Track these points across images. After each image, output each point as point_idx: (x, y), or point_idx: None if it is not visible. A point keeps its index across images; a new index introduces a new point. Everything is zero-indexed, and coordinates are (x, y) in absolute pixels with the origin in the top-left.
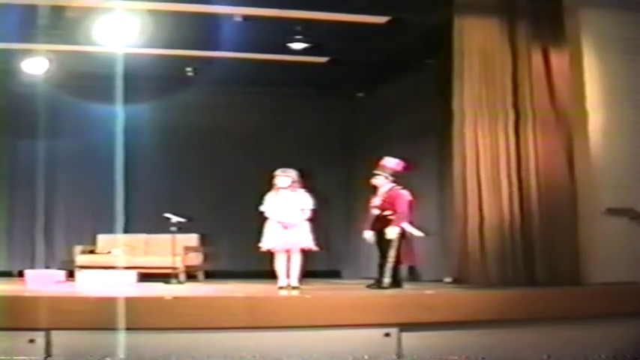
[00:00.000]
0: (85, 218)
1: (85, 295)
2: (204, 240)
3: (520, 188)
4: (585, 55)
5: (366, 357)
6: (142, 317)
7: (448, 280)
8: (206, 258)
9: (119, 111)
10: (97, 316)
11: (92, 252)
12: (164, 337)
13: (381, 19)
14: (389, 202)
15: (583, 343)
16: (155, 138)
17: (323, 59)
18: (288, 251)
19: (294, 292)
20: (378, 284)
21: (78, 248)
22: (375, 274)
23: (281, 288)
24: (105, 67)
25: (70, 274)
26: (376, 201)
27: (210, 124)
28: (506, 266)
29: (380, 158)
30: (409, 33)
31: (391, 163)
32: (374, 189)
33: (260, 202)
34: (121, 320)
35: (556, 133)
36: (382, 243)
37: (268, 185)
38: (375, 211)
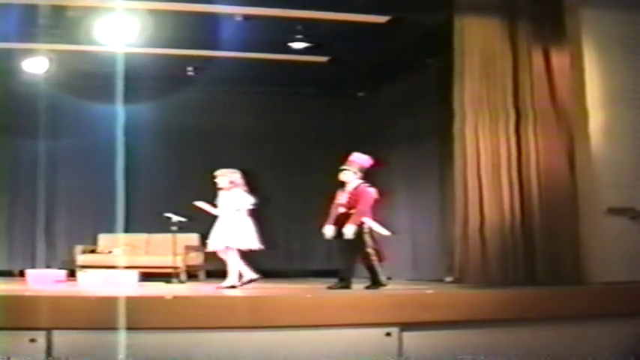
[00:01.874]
0: (86, 218)
1: (86, 294)
2: (205, 239)
3: (521, 188)
4: (586, 54)
5: (367, 357)
6: (143, 317)
7: (449, 279)
8: (207, 257)
9: (120, 110)
10: (98, 315)
11: (93, 251)
12: (165, 336)
13: (382, 19)
14: (354, 200)
15: (584, 342)
16: (156, 137)
17: (324, 59)
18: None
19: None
20: (375, 284)
21: (79, 248)
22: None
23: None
24: (105, 67)
25: (71, 274)
26: (342, 198)
27: (210, 124)
28: (507, 266)
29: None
30: (410, 33)
31: (360, 159)
32: (342, 185)
33: (262, 201)
34: (122, 320)
35: (557, 133)
36: (351, 242)
37: (268, 185)
38: (341, 209)
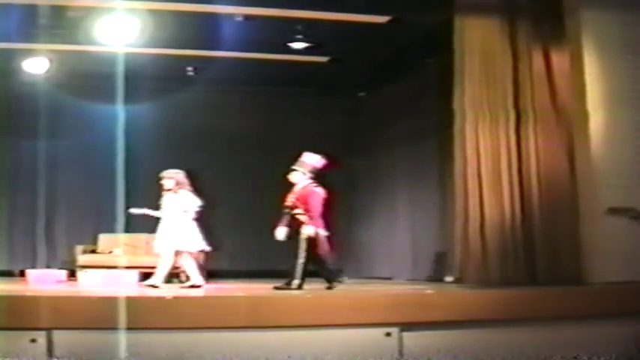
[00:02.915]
0: (86, 218)
1: (86, 294)
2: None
3: (521, 188)
4: (586, 55)
5: (367, 357)
6: (144, 317)
7: (449, 279)
8: (207, 257)
9: (120, 110)
10: (98, 315)
11: (93, 252)
12: (165, 336)
13: (382, 19)
14: (301, 201)
15: (584, 342)
16: (156, 137)
17: (324, 59)
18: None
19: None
20: (330, 282)
21: (79, 248)
22: (377, 273)
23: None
24: (106, 67)
25: (72, 274)
26: (290, 198)
27: (210, 124)
28: (508, 266)
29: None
30: (410, 33)
31: (311, 159)
32: (291, 185)
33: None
34: (123, 320)
35: (557, 133)
36: (297, 242)
37: (269, 185)
38: (287, 210)
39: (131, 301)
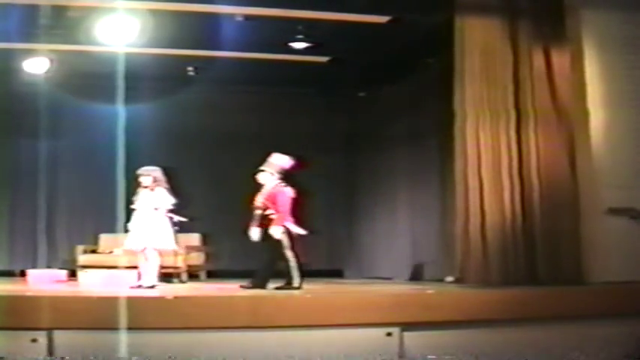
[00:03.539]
0: (87, 218)
1: (87, 294)
2: (205, 239)
3: (522, 187)
4: (586, 54)
5: (367, 357)
6: (144, 317)
7: (450, 279)
8: (208, 257)
9: (120, 110)
10: (99, 315)
11: (94, 251)
12: (166, 336)
13: (383, 19)
14: (270, 201)
15: (584, 341)
16: (156, 137)
17: (324, 59)
18: (144, 250)
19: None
20: (288, 284)
21: (80, 248)
22: (377, 273)
23: (149, 287)
24: (106, 67)
25: (72, 274)
26: (258, 199)
27: (211, 124)
28: (508, 265)
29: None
30: (410, 33)
31: (279, 160)
32: (260, 186)
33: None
34: (123, 320)
35: (557, 133)
36: (271, 243)
37: None
38: (258, 211)
39: (131, 301)
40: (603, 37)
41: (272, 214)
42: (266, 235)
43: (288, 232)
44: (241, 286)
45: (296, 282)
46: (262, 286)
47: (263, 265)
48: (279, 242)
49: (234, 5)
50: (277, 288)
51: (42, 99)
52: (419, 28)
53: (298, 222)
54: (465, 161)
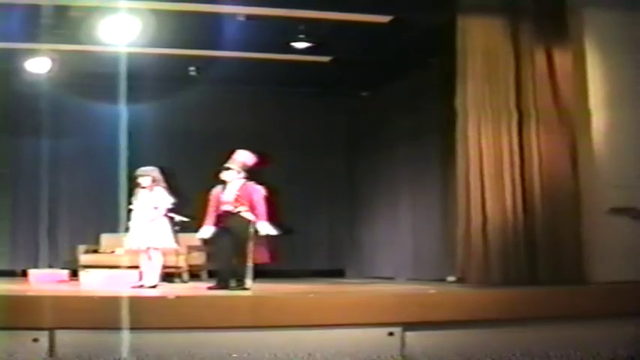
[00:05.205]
0: (88, 218)
1: (88, 294)
2: (207, 239)
3: (523, 188)
4: (588, 54)
5: (369, 356)
6: (146, 316)
7: (451, 279)
8: (209, 257)
9: (122, 110)
10: (100, 315)
11: (96, 251)
12: (167, 336)
13: (384, 19)
14: (245, 198)
15: (587, 342)
16: (158, 137)
17: (326, 58)
18: (147, 250)
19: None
20: (239, 285)
21: (81, 248)
22: (379, 273)
23: (151, 287)
24: (108, 67)
25: (74, 274)
26: (228, 196)
27: (212, 124)
28: (510, 265)
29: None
30: (412, 32)
31: (243, 156)
32: (222, 183)
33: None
34: (125, 319)
35: (559, 133)
36: (235, 240)
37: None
38: (227, 207)
39: (133, 301)
40: (605, 37)
41: (244, 211)
42: (224, 233)
43: (255, 232)
44: (209, 288)
45: (248, 283)
46: (227, 286)
47: (225, 263)
48: (246, 240)
49: (236, 5)
50: (230, 288)
51: (44, 99)
52: (420, 28)
53: (270, 221)
54: (466, 161)
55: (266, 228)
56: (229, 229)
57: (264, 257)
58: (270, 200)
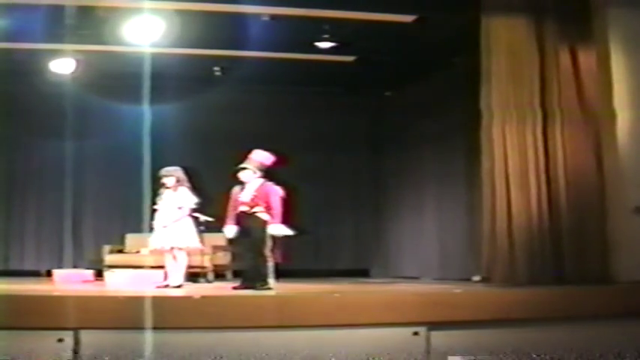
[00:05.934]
0: (113, 218)
1: (113, 294)
2: (231, 239)
3: (548, 187)
4: (613, 54)
5: (394, 356)
6: (171, 316)
7: (476, 278)
8: (234, 257)
9: (147, 111)
10: (125, 315)
11: (120, 251)
12: (192, 336)
13: (408, 18)
14: (261, 198)
15: (612, 341)
16: (182, 137)
17: (350, 58)
18: (171, 250)
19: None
20: (264, 285)
21: (106, 248)
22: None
23: (176, 287)
24: (132, 67)
25: (99, 274)
26: (245, 196)
27: (236, 123)
28: (535, 265)
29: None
30: (436, 32)
31: (260, 156)
32: (240, 183)
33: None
34: (150, 319)
35: (584, 133)
36: (253, 241)
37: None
38: (244, 208)
39: (158, 301)
40: (630, 36)
41: (260, 211)
42: (245, 233)
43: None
44: (234, 288)
45: (271, 282)
46: (254, 286)
47: (249, 263)
48: (262, 240)
49: (261, 5)
50: (255, 288)
51: (68, 99)
52: (444, 28)
53: (286, 222)
54: (491, 160)
55: (279, 230)
56: (247, 229)
57: (276, 257)
58: (287, 201)
